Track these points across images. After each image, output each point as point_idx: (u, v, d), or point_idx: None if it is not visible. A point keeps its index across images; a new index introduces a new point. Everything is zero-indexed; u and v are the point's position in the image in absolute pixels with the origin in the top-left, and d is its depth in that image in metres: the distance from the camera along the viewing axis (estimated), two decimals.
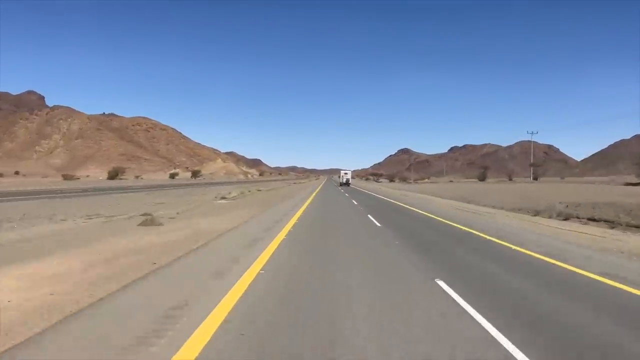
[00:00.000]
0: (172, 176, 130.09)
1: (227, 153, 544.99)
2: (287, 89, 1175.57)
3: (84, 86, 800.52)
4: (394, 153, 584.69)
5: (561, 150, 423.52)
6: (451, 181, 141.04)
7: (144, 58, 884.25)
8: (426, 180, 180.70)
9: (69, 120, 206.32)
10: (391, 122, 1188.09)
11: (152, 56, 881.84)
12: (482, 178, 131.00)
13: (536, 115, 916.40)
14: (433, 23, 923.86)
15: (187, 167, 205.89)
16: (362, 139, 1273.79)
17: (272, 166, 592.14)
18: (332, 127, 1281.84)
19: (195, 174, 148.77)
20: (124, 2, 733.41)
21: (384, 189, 62.88)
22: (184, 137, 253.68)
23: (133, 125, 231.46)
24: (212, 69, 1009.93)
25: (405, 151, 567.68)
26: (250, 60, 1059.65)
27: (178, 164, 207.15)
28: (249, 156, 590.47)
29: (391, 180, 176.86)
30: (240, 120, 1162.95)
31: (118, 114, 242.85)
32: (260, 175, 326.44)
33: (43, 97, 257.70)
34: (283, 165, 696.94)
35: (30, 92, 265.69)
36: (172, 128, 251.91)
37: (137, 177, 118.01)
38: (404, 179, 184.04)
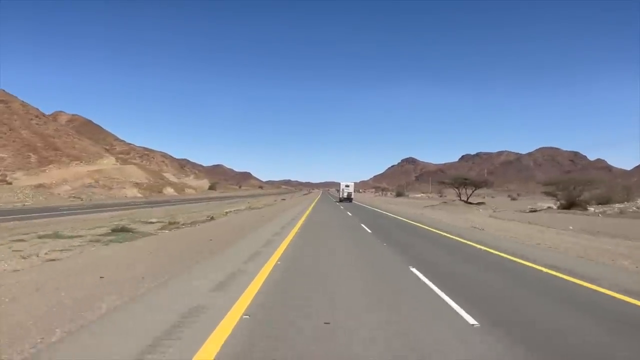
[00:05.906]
0: None
1: (213, 166, 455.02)
2: (279, 100, 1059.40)
3: None
4: (397, 163, 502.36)
5: (588, 157, 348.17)
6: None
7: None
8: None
9: None
10: (393, 131, 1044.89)
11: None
12: None
13: (556, 120, 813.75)
14: (438, 29, 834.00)
15: (12, 171, 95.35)
16: (360, 149, 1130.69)
17: (263, 180, 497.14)
18: (328, 138, 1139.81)
19: None
20: None
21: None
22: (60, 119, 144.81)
23: None
24: (205, 81, 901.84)
25: (410, 161, 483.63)
26: (244, 69, 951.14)
27: None
28: (237, 169, 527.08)
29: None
30: (227, 132, 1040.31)
31: None
32: (211, 188, 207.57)
33: None
34: (276, 179, 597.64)
35: None
36: (36, 108, 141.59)
37: None
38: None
